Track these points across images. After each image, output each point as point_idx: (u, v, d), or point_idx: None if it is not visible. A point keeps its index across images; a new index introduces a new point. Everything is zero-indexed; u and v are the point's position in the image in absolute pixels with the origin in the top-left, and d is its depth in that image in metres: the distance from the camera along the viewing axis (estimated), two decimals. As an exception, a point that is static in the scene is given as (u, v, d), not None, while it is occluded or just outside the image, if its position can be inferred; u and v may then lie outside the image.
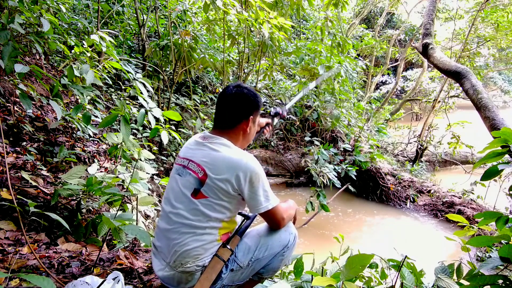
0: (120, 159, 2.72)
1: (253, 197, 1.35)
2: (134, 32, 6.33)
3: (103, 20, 5.14)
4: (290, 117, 6.99)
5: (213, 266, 1.35)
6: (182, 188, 1.37)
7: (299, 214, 5.26)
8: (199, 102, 6.19)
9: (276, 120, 1.98)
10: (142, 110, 2.11)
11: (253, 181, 1.33)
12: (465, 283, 1.53)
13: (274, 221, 1.43)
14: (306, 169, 5.06)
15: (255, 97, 1.49)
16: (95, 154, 3.19)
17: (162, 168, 4.81)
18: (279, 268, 1.50)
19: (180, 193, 1.38)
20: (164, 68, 5.60)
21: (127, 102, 4.07)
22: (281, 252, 1.46)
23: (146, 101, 2.21)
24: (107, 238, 2.12)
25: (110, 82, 3.73)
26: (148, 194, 2.49)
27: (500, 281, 1.25)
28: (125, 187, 2.34)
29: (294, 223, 1.58)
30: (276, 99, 7.21)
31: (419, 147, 8.10)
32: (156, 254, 1.45)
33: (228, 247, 1.38)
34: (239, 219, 1.51)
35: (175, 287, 1.41)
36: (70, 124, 3.16)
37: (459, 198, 5.44)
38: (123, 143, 2.40)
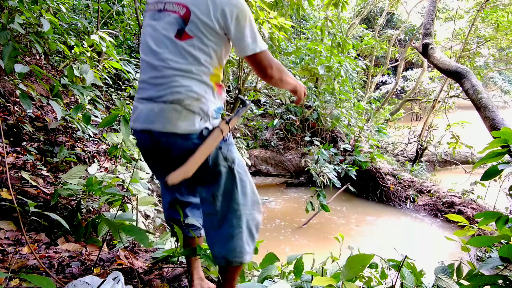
0: (120, 159, 2.72)
1: (240, 38, 1.21)
2: (134, 32, 6.33)
3: (103, 20, 5.14)
4: (290, 117, 6.99)
5: (215, 136, 1.22)
6: (163, 31, 1.20)
7: (298, 216, 5.25)
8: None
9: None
10: (142, 110, 2.11)
11: (240, 19, 1.20)
12: (465, 283, 1.53)
13: (261, 67, 1.27)
14: (306, 169, 5.06)
15: None
16: (95, 154, 3.19)
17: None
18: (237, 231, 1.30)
19: (161, 37, 1.20)
20: (164, 68, 5.59)
21: (127, 102, 4.07)
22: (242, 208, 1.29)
23: (146, 101, 2.21)
24: (107, 238, 2.12)
25: (110, 82, 3.73)
26: (148, 194, 2.49)
27: (500, 281, 1.25)
28: (125, 187, 2.34)
29: (300, 99, 1.48)
30: (276, 99, 7.21)
31: (419, 147, 8.10)
32: (136, 104, 1.26)
33: (229, 124, 1.25)
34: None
35: (156, 125, 1.19)
36: (70, 124, 3.16)
37: (459, 198, 5.44)
38: (123, 143, 2.40)
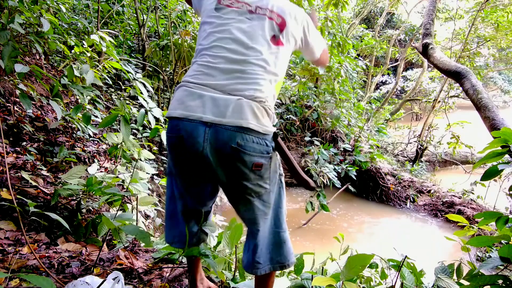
0: (120, 159, 2.72)
1: (314, 44, 1.42)
2: (134, 32, 6.32)
3: (103, 20, 5.14)
4: (290, 117, 6.99)
5: (282, 144, 1.21)
6: (259, 31, 1.22)
7: (298, 216, 5.24)
8: (199, 102, 6.18)
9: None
10: (142, 110, 2.11)
11: (311, 28, 1.39)
12: (465, 283, 1.53)
13: (324, 61, 1.54)
14: (306, 169, 5.06)
15: None
16: (95, 154, 3.19)
17: (162, 168, 4.81)
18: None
19: (257, 36, 1.20)
20: (164, 68, 5.60)
21: (127, 102, 4.07)
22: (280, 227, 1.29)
23: (146, 101, 2.21)
24: (107, 238, 2.12)
25: (110, 82, 3.73)
26: (148, 194, 2.49)
27: (500, 281, 1.25)
28: (125, 187, 2.34)
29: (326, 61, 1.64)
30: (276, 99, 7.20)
31: (419, 147, 8.10)
32: (195, 89, 1.14)
33: (278, 136, 1.22)
34: None
35: (212, 113, 1.08)
36: (70, 124, 3.16)
37: (459, 198, 5.44)
38: (123, 143, 2.40)
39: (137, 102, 4.54)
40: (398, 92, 14.72)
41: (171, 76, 5.67)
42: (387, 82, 15.11)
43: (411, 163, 7.93)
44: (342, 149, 6.26)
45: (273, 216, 1.28)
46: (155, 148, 4.25)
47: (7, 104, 2.88)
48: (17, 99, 2.98)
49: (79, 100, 2.82)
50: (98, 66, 2.95)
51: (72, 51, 2.90)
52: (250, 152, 1.10)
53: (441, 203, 5.50)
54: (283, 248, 1.29)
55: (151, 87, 3.31)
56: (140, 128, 4.65)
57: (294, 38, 1.31)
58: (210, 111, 1.09)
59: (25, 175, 2.18)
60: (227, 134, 1.07)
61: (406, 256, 1.63)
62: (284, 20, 1.27)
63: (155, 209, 3.40)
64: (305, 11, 1.41)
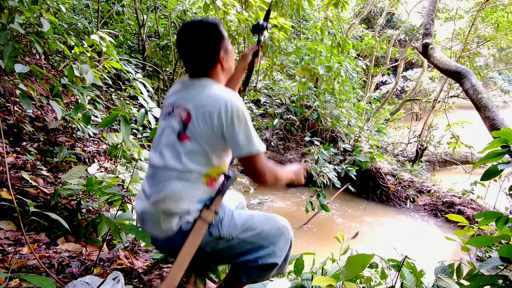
0: (120, 159, 2.72)
1: (234, 137, 1.24)
2: (134, 32, 6.33)
3: (103, 20, 5.14)
4: (290, 117, 6.99)
5: (198, 228, 1.26)
6: (169, 133, 1.31)
7: (298, 216, 5.23)
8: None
9: (266, 34, 1.68)
10: (142, 110, 2.11)
11: (234, 119, 1.23)
12: (465, 283, 1.53)
13: (254, 172, 1.28)
14: (306, 169, 5.05)
15: (212, 28, 1.32)
16: (95, 154, 3.19)
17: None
18: (265, 274, 1.37)
19: (166, 139, 1.31)
20: (164, 68, 5.60)
21: (127, 102, 4.07)
22: (266, 250, 1.33)
23: (146, 101, 2.21)
24: (107, 238, 2.12)
25: (110, 82, 3.73)
26: (148, 194, 2.49)
27: (500, 281, 1.25)
28: (125, 187, 2.34)
29: (300, 182, 1.50)
30: (276, 99, 7.21)
31: (419, 147, 8.10)
32: (140, 195, 1.38)
33: (213, 208, 1.29)
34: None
35: (150, 228, 1.32)
36: (70, 124, 3.16)
37: (459, 198, 5.44)
38: (123, 143, 2.40)
39: (137, 102, 4.54)
40: (398, 92, 14.72)
41: (171, 76, 5.67)
42: (387, 82, 15.11)
43: (411, 163, 7.93)
44: (342, 149, 6.26)
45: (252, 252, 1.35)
46: (155, 148, 4.24)
47: (7, 104, 2.88)
48: (17, 99, 2.98)
49: (79, 100, 2.81)
50: (98, 66, 2.95)
51: (72, 51, 2.90)
52: (169, 247, 1.38)
53: (441, 203, 5.50)
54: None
55: (151, 87, 3.31)
56: (140, 128, 4.65)
57: (207, 129, 1.24)
58: (139, 217, 1.38)
59: (25, 175, 2.18)
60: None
61: (406, 256, 1.63)
62: (189, 114, 1.26)
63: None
64: None
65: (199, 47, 1.31)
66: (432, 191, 5.82)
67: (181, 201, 1.26)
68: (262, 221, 1.36)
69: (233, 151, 1.27)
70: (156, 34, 6.31)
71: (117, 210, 2.10)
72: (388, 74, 14.07)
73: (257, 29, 1.67)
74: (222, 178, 1.38)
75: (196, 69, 1.34)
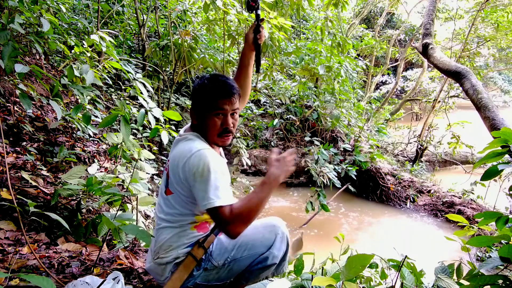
0: (120, 159, 2.72)
1: (198, 192, 1.24)
2: (134, 32, 6.33)
3: (103, 20, 5.14)
4: (290, 117, 6.99)
5: (186, 265, 1.35)
6: (161, 186, 1.45)
7: (298, 216, 5.22)
8: (199, 102, 6.17)
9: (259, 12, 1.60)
10: (142, 110, 2.11)
11: (197, 175, 1.23)
12: (465, 283, 1.53)
13: (219, 223, 1.25)
14: (306, 169, 5.06)
15: (207, 93, 1.34)
16: (95, 154, 3.19)
17: (162, 168, 4.81)
18: (264, 273, 1.42)
19: (160, 191, 1.47)
20: (164, 68, 5.59)
21: (127, 102, 4.07)
22: (264, 254, 1.37)
23: (146, 101, 2.21)
24: (107, 238, 2.12)
25: (110, 82, 3.73)
26: (148, 194, 2.49)
27: (500, 281, 1.25)
28: (125, 187, 2.34)
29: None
30: (276, 99, 7.21)
31: (419, 147, 8.10)
32: (150, 247, 1.53)
33: (203, 246, 1.37)
34: None
35: (156, 279, 1.47)
36: (70, 124, 3.16)
37: (459, 198, 5.44)
38: (123, 143, 2.40)
39: (137, 102, 4.54)
40: (398, 92, 14.71)
41: (171, 76, 5.66)
42: (387, 82, 15.10)
43: (411, 163, 7.92)
44: (342, 149, 6.26)
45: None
46: (155, 148, 4.25)
47: (7, 104, 2.88)
48: (17, 99, 2.98)
49: (79, 100, 2.81)
50: (98, 66, 2.95)
51: (72, 51, 2.90)
52: None
53: (441, 203, 5.49)
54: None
55: (151, 87, 3.31)
56: (140, 128, 4.65)
57: (180, 185, 1.31)
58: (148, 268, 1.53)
59: (25, 175, 2.18)
60: None
61: (406, 256, 1.63)
62: (168, 172, 1.37)
63: (155, 209, 3.40)
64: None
65: (193, 97, 1.43)
66: (432, 191, 5.81)
67: (170, 250, 1.36)
68: (252, 231, 1.38)
69: (199, 203, 1.27)
70: (156, 34, 6.31)
71: (117, 210, 2.11)
72: (388, 74, 14.07)
73: (250, 6, 1.62)
74: None
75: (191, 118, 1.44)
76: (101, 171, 2.85)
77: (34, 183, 2.23)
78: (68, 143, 2.97)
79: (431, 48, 4.41)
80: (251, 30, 1.64)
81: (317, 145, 5.07)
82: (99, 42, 2.63)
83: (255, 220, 1.33)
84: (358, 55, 11.42)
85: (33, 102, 3.15)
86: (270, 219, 1.47)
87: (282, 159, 1.35)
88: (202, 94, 1.37)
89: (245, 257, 1.38)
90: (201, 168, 1.24)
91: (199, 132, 1.39)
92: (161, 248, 1.37)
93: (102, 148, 3.40)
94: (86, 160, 3.04)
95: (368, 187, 6.21)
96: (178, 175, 1.30)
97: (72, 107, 3.38)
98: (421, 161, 7.86)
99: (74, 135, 3.17)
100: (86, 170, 2.61)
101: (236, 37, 5.66)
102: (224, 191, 1.25)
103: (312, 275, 1.67)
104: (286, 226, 1.47)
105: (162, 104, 5.48)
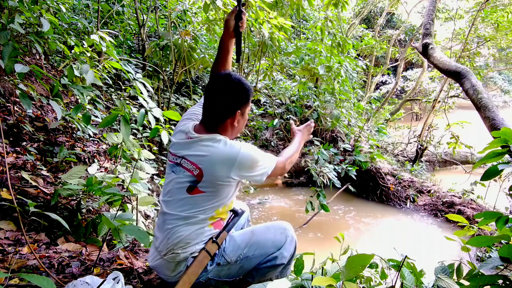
0: (120, 159, 2.72)
1: (254, 177, 1.41)
2: (134, 32, 6.33)
3: (103, 20, 5.14)
4: (290, 117, 6.99)
5: (201, 260, 1.37)
6: (177, 185, 1.39)
7: (298, 216, 5.22)
8: (199, 102, 6.18)
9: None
10: (142, 110, 2.11)
11: (248, 167, 1.38)
12: (465, 283, 1.53)
13: (278, 176, 1.57)
14: (306, 169, 5.05)
15: (243, 90, 1.42)
16: (95, 154, 3.19)
17: (162, 168, 4.81)
18: (271, 272, 1.48)
19: (175, 190, 1.41)
20: (164, 68, 5.59)
21: (127, 102, 4.07)
22: (274, 254, 1.44)
23: (146, 101, 2.21)
24: (107, 238, 2.12)
25: (110, 82, 3.73)
26: (148, 194, 2.49)
27: (500, 281, 1.25)
28: (125, 187, 2.34)
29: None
30: (276, 99, 7.21)
31: (419, 147, 8.10)
32: (151, 247, 1.50)
33: (216, 241, 1.39)
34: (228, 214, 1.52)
35: (164, 275, 1.45)
36: (70, 124, 3.16)
37: (459, 198, 5.44)
38: (123, 143, 2.40)
39: (137, 102, 4.55)
40: (398, 92, 14.71)
41: (171, 76, 5.66)
42: (387, 82, 15.10)
43: (411, 163, 7.92)
44: (342, 149, 6.26)
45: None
46: (155, 148, 4.25)
47: (7, 104, 2.88)
48: (17, 99, 2.98)
49: (79, 100, 2.82)
50: (98, 66, 2.95)
51: (72, 51, 2.90)
52: None
53: (441, 203, 5.49)
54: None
55: (151, 87, 3.31)
56: (140, 128, 4.65)
57: (220, 183, 1.35)
58: (152, 266, 1.52)
59: (25, 175, 2.18)
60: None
61: (406, 256, 1.63)
62: (202, 171, 1.34)
63: (155, 209, 3.40)
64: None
65: (222, 97, 1.39)
66: (432, 191, 5.81)
67: (188, 246, 1.37)
68: (264, 232, 1.47)
69: (256, 183, 1.48)
70: (156, 34, 6.31)
71: (117, 210, 2.11)
72: (388, 74, 14.07)
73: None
74: (229, 214, 1.49)
75: (210, 116, 1.42)
76: (101, 171, 2.85)
77: (34, 183, 2.23)
78: (68, 143, 2.97)
79: (431, 48, 4.41)
80: (232, 15, 1.55)
81: (317, 145, 5.07)
82: (99, 42, 2.63)
83: (267, 222, 1.54)
84: (358, 55, 11.42)
85: (33, 102, 3.15)
86: (281, 223, 1.55)
87: (308, 126, 1.81)
88: (244, 92, 1.42)
89: (257, 256, 1.43)
90: (250, 160, 1.38)
91: (221, 131, 1.43)
92: (177, 245, 1.37)
93: (102, 148, 3.40)
94: (86, 160, 3.04)
95: (368, 187, 6.21)
96: (223, 175, 1.34)
97: (72, 107, 3.38)
98: (421, 161, 7.86)
99: (74, 135, 3.17)
100: (86, 170, 2.61)
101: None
102: (266, 158, 1.46)
103: (312, 275, 1.67)
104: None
105: (162, 104, 5.48)
